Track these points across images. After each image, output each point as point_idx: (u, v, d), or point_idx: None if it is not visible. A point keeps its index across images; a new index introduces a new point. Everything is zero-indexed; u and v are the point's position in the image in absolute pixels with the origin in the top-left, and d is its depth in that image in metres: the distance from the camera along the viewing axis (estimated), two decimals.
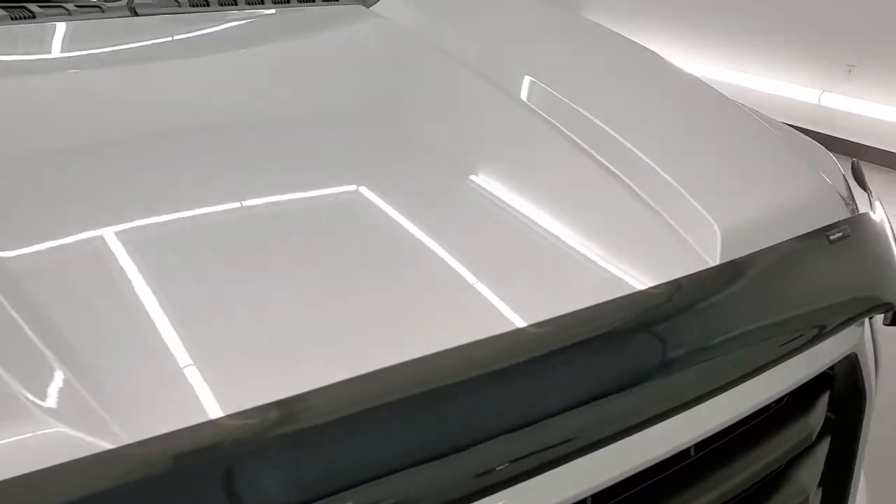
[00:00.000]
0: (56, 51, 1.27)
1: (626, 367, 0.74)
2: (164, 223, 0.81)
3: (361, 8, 1.57)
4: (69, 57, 1.27)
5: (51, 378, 0.61)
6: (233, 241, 0.80)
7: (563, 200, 0.95)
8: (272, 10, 1.50)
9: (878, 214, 1.13)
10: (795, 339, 0.88)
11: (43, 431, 0.56)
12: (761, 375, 0.85)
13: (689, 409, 0.78)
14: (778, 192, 1.05)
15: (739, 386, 0.83)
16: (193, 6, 1.42)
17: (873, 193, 1.22)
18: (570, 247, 0.87)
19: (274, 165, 0.95)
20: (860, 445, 1.08)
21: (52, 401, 0.59)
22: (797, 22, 4.77)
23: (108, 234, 0.77)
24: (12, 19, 1.21)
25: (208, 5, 1.44)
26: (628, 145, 1.04)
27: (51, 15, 1.28)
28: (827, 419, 1.04)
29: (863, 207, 1.19)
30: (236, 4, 1.47)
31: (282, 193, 0.91)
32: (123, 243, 0.76)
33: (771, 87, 4.96)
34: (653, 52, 1.48)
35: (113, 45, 1.31)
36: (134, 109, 1.07)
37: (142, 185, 0.86)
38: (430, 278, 0.80)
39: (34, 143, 0.94)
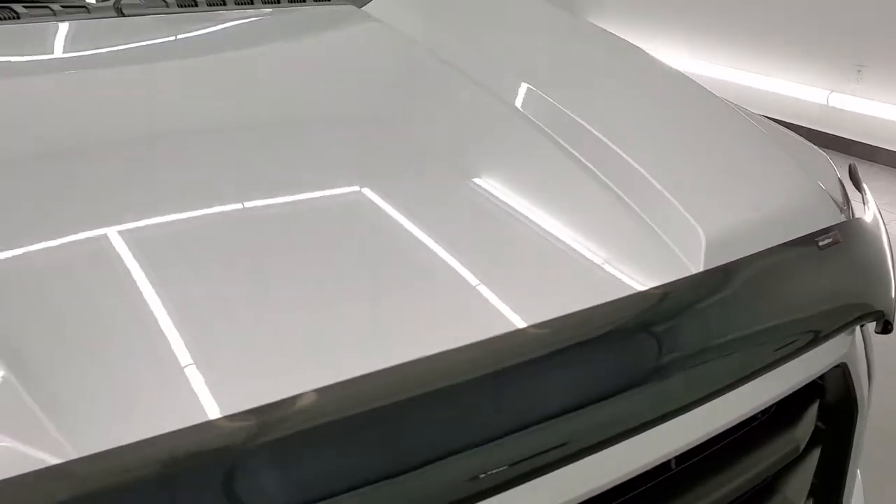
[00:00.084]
0: (40, 52, 1.26)
1: (600, 379, 0.72)
2: (157, 226, 0.80)
3: (353, 8, 1.55)
4: (53, 59, 1.26)
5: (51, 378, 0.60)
6: (225, 243, 0.79)
7: (543, 205, 0.93)
8: (262, 11, 1.49)
9: (872, 219, 1.11)
10: (780, 348, 0.85)
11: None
12: (745, 386, 0.83)
13: (668, 420, 0.76)
14: (768, 196, 1.02)
15: (721, 397, 0.81)
16: (181, 6, 1.41)
17: (868, 197, 1.19)
18: (543, 254, 0.84)
19: (265, 167, 0.94)
20: (853, 456, 1.05)
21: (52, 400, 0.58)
22: (805, 22, 4.73)
23: (100, 236, 0.77)
24: None
25: (196, 6, 1.42)
26: (615, 148, 1.02)
27: (36, 16, 1.27)
28: (818, 429, 1.01)
29: (860, 211, 1.16)
30: (225, 5, 1.46)
31: (274, 195, 0.89)
32: (115, 246, 0.76)
33: (779, 88, 4.93)
34: (647, 53, 1.46)
35: (99, 47, 1.30)
36: (120, 112, 1.05)
37: (129, 186, 0.85)
38: (408, 283, 0.78)
39: (18, 145, 0.92)
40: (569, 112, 1.10)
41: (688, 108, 1.25)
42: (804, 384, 0.93)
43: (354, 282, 0.76)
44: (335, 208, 0.89)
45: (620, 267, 0.85)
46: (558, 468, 0.69)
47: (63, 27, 1.29)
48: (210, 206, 0.85)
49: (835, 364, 0.96)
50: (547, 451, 0.68)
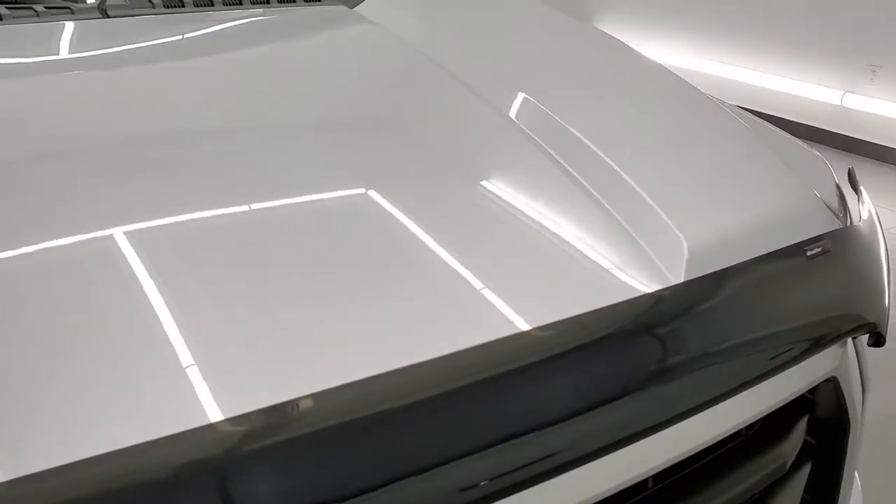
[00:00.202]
0: (23, 54, 1.24)
1: (566, 397, 0.69)
2: (153, 228, 0.79)
3: (344, 9, 1.53)
4: (36, 61, 1.24)
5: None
6: (218, 245, 0.77)
7: (519, 211, 0.90)
8: (251, 11, 1.47)
9: (868, 226, 1.07)
10: (763, 363, 0.82)
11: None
12: (727, 402, 0.80)
13: (642, 439, 0.73)
14: (757, 204, 0.99)
15: (701, 414, 0.78)
16: (168, 7, 1.39)
17: (866, 202, 1.15)
18: (511, 264, 0.81)
19: (257, 169, 0.92)
20: (845, 471, 1.02)
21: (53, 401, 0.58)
22: (819, 22, 4.67)
23: (90, 239, 0.76)
24: None
25: (183, 6, 1.40)
26: (600, 153, 0.99)
27: (18, 17, 1.26)
28: (809, 445, 0.98)
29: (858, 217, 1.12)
30: (213, 5, 1.44)
31: (269, 197, 0.87)
32: (108, 249, 0.75)
33: (793, 88, 4.88)
34: (642, 55, 1.43)
35: (82, 49, 1.29)
36: (104, 115, 1.04)
37: (121, 188, 0.84)
38: (382, 292, 0.76)
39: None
40: (556, 117, 1.07)
41: (679, 112, 1.22)
42: (791, 399, 0.90)
43: (343, 288, 0.74)
44: (326, 211, 0.87)
45: (595, 278, 0.82)
46: (535, 484, 0.66)
47: (46, 29, 1.28)
48: (201, 208, 0.83)
49: (824, 378, 0.93)
50: (519, 468, 0.65)
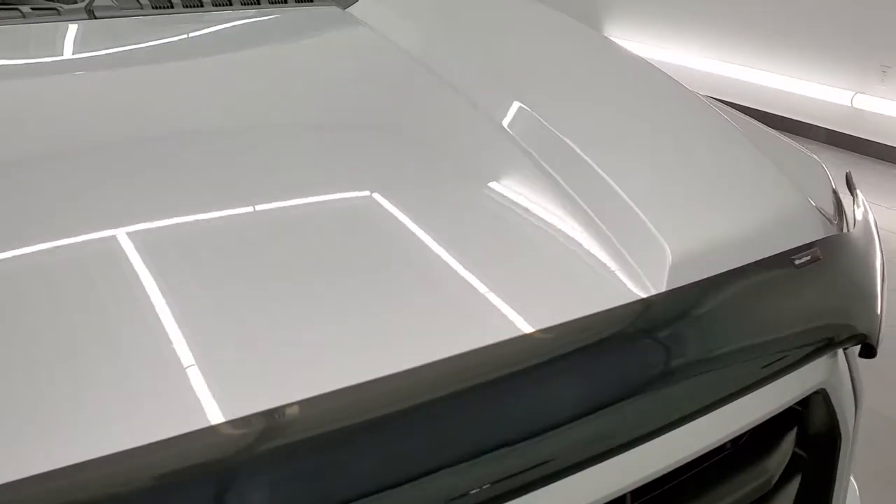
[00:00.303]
0: (7, 57, 1.23)
1: (542, 411, 0.67)
2: (150, 231, 0.78)
3: (337, 10, 1.51)
4: (21, 64, 1.23)
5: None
6: (207, 247, 0.77)
7: (500, 218, 0.88)
8: (241, 13, 1.45)
9: (863, 233, 1.04)
10: (747, 375, 0.80)
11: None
12: (710, 415, 0.78)
13: (619, 454, 0.71)
14: (746, 210, 0.96)
15: (682, 427, 0.75)
16: (156, 8, 1.37)
17: (862, 208, 1.12)
18: (490, 272, 0.79)
19: (253, 170, 0.91)
20: (836, 484, 0.99)
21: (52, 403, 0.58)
22: (829, 22, 4.62)
23: (82, 241, 0.75)
24: None
25: (172, 7, 1.39)
26: (586, 159, 0.97)
27: (3, 18, 1.25)
28: (799, 458, 0.95)
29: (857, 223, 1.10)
30: (202, 6, 1.42)
31: (265, 200, 0.86)
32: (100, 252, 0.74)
33: (802, 89, 4.83)
34: (636, 55, 1.40)
35: (69, 52, 1.27)
36: (89, 118, 1.03)
37: (114, 190, 0.83)
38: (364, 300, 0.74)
39: None
40: (545, 122, 1.05)
41: (670, 115, 1.19)
42: (778, 412, 0.87)
43: (339, 292, 0.74)
44: (325, 213, 0.86)
45: (579, 287, 0.80)
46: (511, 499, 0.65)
47: (33, 30, 1.27)
48: (198, 210, 0.82)
49: (813, 390, 0.90)
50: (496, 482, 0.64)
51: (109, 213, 0.78)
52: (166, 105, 1.09)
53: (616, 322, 0.74)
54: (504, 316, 0.74)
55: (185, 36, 1.39)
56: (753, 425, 0.84)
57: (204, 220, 0.82)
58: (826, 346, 0.87)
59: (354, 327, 0.70)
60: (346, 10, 1.51)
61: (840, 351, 0.95)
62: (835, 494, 0.99)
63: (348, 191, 0.91)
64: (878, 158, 4.52)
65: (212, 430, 0.56)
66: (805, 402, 0.93)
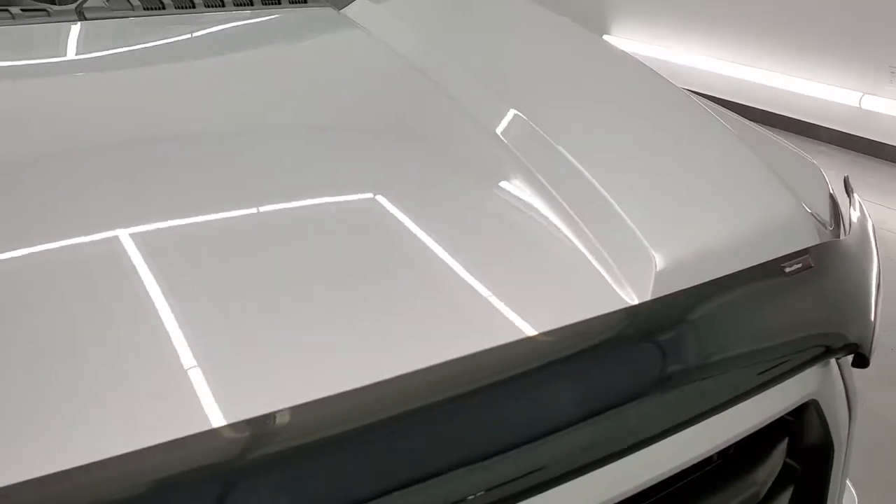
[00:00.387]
0: None
1: (525, 421, 0.66)
2: (147, 232, 0.78)
3: (331, 11, 1.50)
4: (9, 66, 1.22)
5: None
6: (207, 249, 0.76)
7: (485, 223, 0.87)
8: (234, 14, 1.44)
9: (858, 239, 1.02)
10: (735, 386, 0.78)
11: None
12: (697, 426, 0.76)
13: (600, 467, 0.69)
14: (737, 216, 0.94)
15: (668, 439, 0.74)
16: (147, 9, 1.36)
17: (859, 213, 1.10)
18: (473, 279, 0.78)
19: (250, 172, 0.91)
20: (829, 493, 0.97)
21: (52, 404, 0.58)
22: (837, 22, 4.58)
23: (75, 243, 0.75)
24: None
25: (164, 8, 1.38)
26: (576, 163, 0.95)
27: None
28: (790, 470, 0.93)
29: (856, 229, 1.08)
30: (194, 7, 1.41)
31: (264, 201, 0.86)
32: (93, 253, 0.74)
33: (810, 90, 4.79)
34: (633, 58, 1.38)
35: (59, 53, 1.27)
36: (79, 120, 1.02)
37: (111, 191, 0.83)
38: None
39: None
40: (537, 127, 1.04)
41: (664, 120, 1.17)
42: (767, 424, 0.85)
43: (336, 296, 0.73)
44: (323, 215, 0.86)
45: (566, 295, 0.78)
46: None
47: (22, 32, 1.26)
48: (196, 211, 0.82)
49: (804, 400, 0.88)
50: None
51: (109, 214, 0.78)
52: (158, 107, 1.08)
53: (596, 332, 0.73)
54: (487, 323, 0.72)
55: (177, 38, 1.37)
56: (741, 437, 0.82)
57: (203, 222, 0.81)
58: (816, 356, 0.85)
59: (347, 331, 0.69)
60: (341, 11, 1.50)
61: (833, 360, 0.93)
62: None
63: (341, 194, 0.90)
64: (886, 160, 4.48)
65: (213, 433, 0.56)
66: (797, 413, 0.91)
